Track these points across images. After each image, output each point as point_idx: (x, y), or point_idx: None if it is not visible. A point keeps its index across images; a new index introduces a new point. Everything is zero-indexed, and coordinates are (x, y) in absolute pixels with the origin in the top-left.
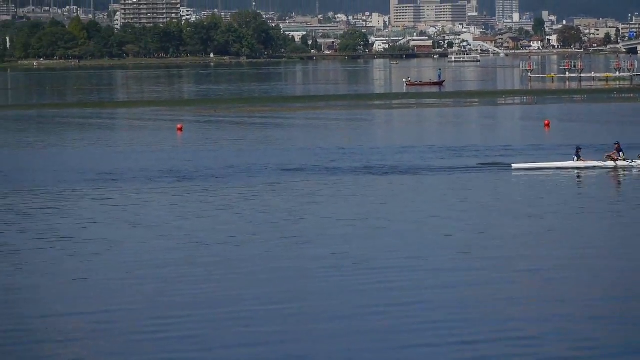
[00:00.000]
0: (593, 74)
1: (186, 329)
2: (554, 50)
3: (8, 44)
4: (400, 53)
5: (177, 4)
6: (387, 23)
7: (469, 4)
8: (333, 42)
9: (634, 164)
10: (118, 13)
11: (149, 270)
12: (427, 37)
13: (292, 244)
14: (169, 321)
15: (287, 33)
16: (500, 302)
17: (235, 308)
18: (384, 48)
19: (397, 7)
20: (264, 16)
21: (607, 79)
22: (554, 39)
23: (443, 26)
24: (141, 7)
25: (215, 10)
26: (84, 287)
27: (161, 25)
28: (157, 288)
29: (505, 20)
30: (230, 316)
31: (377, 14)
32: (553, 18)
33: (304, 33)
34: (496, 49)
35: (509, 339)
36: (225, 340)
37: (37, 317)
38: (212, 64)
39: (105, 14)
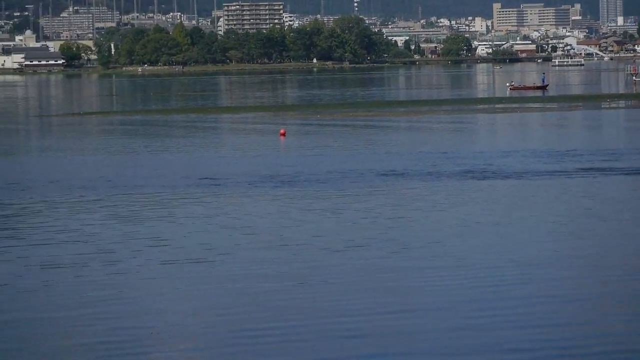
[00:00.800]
0: None
1: (295, 338)
2: None
3: (113, 50)
4: (503, 57)
5: (280, 9)
6: (490, 27)
7: (573, 8)
8: (436, 47)
9: None
10: (221, 19)
11: (251, 281)
12: (530, 41)
13: (399, 250)
14: (275, 331)
15: (389, 38)
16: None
17: (344, 319)
18: (486, 52)
19: (500, 12)
20: (367, 21)
21: None
22: None
23: (546, 30)
24: (244, 13)
25: (318, 16)
26: (188, 296)
27: (264, 31)
28: (260, 297)
29: (609, 24)
30: (338, 327)
31: (480, 18)
32: None
33: (407, 38)
34: (600, 53)
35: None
36: (333, 348)
37: (142, 327)
38: (314, 69)
39: (209, 20)
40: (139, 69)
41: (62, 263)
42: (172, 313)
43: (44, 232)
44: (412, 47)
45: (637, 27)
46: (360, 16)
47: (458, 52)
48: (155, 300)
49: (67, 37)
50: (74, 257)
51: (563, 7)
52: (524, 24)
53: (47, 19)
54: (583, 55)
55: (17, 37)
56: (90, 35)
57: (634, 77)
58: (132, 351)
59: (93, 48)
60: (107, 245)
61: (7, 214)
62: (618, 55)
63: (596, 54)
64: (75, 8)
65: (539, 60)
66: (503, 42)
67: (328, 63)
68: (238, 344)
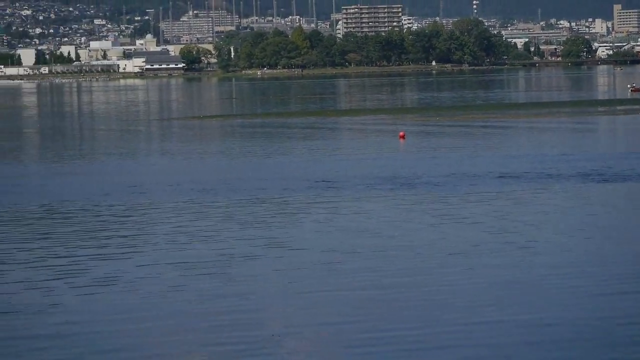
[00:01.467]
0: None
1: (419, 347)
2: None
3: (232, 53)
4: (623, 59)
5: (399, 12)
6: (610, 29)
7: None
8: (555, 49)
9: None
10: (340, 22)
11: (374, 286)
12: None
13: (525, 255)
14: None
15: (508, 40)
16: None
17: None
18: (607, 54)
19: (620, 13)
20: (486, 23)
21: None
22: None
23: None
24: (363, 16)
25: (437, 18)
26: (311, 301)
27: (383, 34)
28: (385, 303)
29: None
30: (470, 335)
31: (600, 19)
32: None
33: (526, 40)
34: None
35: None
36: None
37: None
38: (434, 71)
39: (327, 23)
40: (258, 72)
41: (185, 266)
42: (293, 318)
43: (168, 235)
44: (532, 49)
45: None
46: (479, 18)
47: (578, 54)
48: (277, 305)
49: (187, 40)
50: (195, 260)
51: None
52: None
53: (167, 23)
54: None
55: (138, 41)
56: (210, 39)
57: None
58: (253, 354)
59: (213, 52)
60: (227, 249)
61: (128, 215)
62: None
63: None
64: (195, 12)
65: None
66: (624, 44)
67: (447, 65)
68: (361, 353)
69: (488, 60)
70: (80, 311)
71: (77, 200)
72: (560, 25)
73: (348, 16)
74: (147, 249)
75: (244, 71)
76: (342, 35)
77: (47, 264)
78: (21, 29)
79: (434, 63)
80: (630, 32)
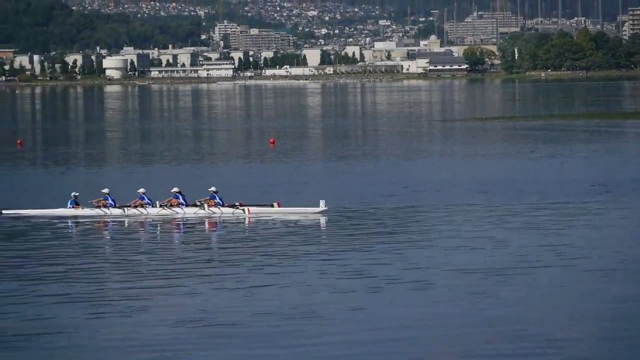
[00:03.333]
0: None
1: None
2: None
3: (516, 55)
4: None
5: None
6: None
7: None
8: None
9: None
10: (626, 24)
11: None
12: None
13: None
14: None
15: None
16: None
17: None
18: None
19: None
20: None
21: None
22: None
23: None
24: None
25: None
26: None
27: None
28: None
29: None
30: None
31: None
32: None
33: None
34: None
35: None
36: None
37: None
38: None
39: (613, 24)
40: (542, 74)
41: (482, 272)
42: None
43: (447, 237)
44: None
45: None
46: None
47: None
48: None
49: (470, 42)
50: (491, 266)
51: None
52: None
53: (451, 23)
54: None
55: (422, 42)
56: (494, 40)
57: None
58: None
59: (496, 53)
60: (517, 256)
61: (399, 216)
62: None
63: None
64: (479, 13)
65: None
66: None
67: None
68: None
69: None
70: (384, 317)
71: (360, 201)
72: None
73: (634, 17)
74: (433, 253)
75: (527, 72)
76: (629, 37)
77: (349, 266)
78: (307, 30)
79: None
80: None
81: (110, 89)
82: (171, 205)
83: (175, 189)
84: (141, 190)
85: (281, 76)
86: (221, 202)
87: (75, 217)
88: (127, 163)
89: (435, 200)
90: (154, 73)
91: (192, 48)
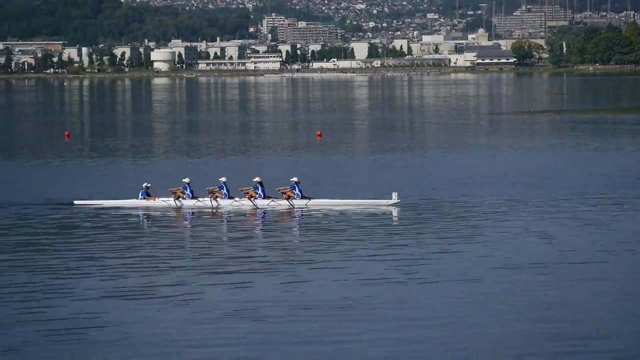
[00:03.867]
0: None
1: None
2: None
3: (564, 48)
4: None
5: None
6: None
7: None
8: None
9: None
10: None
11: None
12: None
13: None
14: None
15: None
16: None
17: None
18: None
19: None
20: None
21: None
22: None
23: None
24: None
25: None
26: None
27: None
28: None
29: None
30: None
31: None
32: None
33: None
34: None
35: None
36: None
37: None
38: None
39: None
40: (590, 68)
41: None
42: None
43: (500, 233)
44: None
45: None
46: None
47: None
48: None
49: (518, 35)
50: (534, 261)
51: None
52: None
53: (499, 17)
54: None
55: (470, 36)
56: (542, 33)
57: None
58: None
59: (544, 46)
60: (565, 251)
61: (458, 210)
62: None
63: None
64: (527, 7)
65: None
66: None
67: None
68: None
69: None
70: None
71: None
72: None
73: None
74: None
75: (575, 66)
76: None
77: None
78: (355, 23)
79: None
80: None
81: (158, 81)
82: (250, 197)
83: (222, 179)
84: (222, 179)
85: (328, 69)
86: (300, 194)
87: (147, 208)
88: (175, 154)
89: (487, 193)
90: (202, 65)
91: (240, 41)
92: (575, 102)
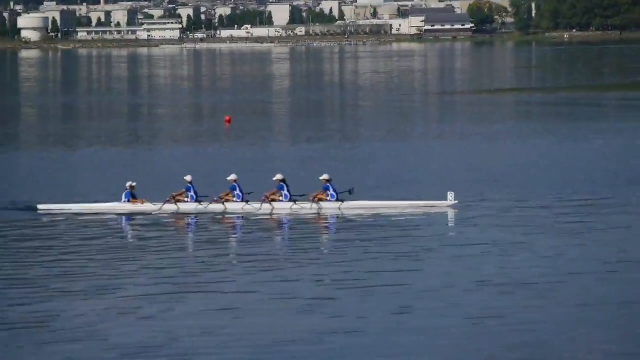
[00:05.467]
0: None
1: None
2: None
3: (533, 11)
4: None
5: None
6: None
7: None
8: None
9: None
10: None
11: None
12: None
13: None
14: None
15: None
16: None
17: None
18: None
19: None
20: None
21: None
22: None
23: None
24: None
25: None
26: None
27: None
28: None
29: None
30: None
31: None
32: None
33: None
34: None
35: None
36: None
37: None
38: None
39: None
40: (565, 35)
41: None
42: None
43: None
44: None
45: None
46: None
47: None
48: None
49: None
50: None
51: None
52: None
53: None
54: None
55: None
56: None
57: None
58: None
59: (509, 9)
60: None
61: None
62: None
63: None
64: None
65: None
66: None
67: None
68: None
69: None
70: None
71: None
72: None
73: None
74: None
75: (547, 33)
76: None
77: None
78: None
79: None
80: None
81: (26, 54)
82: (272, 200)
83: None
84: (232, 177)
85: (240, 38)
86: (335, 194)
87: (131, 214)
88: (45, 147)
89: (428, 193)
90: (82, 35)
91: (130, 3)
92: (547, 78)
